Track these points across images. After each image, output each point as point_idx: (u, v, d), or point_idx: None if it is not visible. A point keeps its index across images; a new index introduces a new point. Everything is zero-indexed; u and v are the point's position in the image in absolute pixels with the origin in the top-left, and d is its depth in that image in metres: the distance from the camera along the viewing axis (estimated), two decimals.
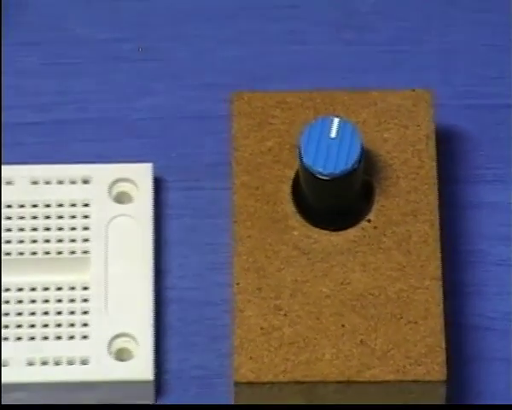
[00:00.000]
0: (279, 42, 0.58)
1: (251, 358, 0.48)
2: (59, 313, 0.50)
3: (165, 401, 0.52)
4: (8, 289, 0.52)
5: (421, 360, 0.48)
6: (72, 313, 0.50)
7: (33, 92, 0.57)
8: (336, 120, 0.48)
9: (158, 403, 0.53)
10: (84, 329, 0.50)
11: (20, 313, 0.51)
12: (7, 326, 0.51)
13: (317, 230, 0.50)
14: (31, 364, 0.49)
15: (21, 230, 0.52)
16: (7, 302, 0.51)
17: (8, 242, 0.52)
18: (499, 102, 0.57)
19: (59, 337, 0.50)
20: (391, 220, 0.50)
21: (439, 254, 0.49)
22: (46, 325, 0.50)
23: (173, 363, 0.51)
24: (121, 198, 0.52)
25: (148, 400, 0.51)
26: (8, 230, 0.52)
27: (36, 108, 0.57)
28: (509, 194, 0.56)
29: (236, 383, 0.48)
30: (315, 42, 0.58)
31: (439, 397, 0.49)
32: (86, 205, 0.52)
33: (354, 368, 0.48)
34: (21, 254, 0.52)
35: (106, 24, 0.59)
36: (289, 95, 0.52)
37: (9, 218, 0.52)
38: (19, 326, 0.50)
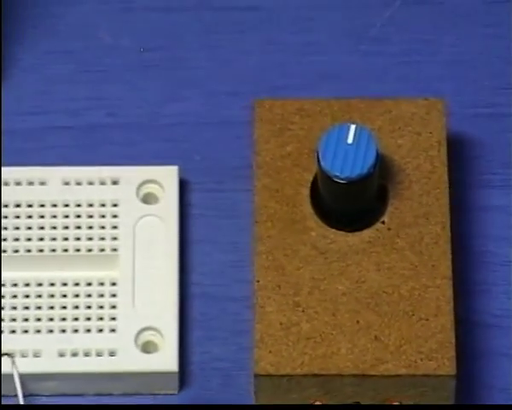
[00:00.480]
0: (298, 53, 0.57)
1: (270, 351, 0.47)
2: (88, 307, 0.50)
3: (189, 391, 0.51)
4: (40, 284, 0.51)
5: (432, 355, 0.47)
6: (101, 307, 0.50)
7: (66, 98, 0.56)
8: (353, 127, 0.48)
9: (176, 396, 0.51)
10: (112, 322, 0.50)
11: (51, 307, 0.50)
12: (39, 319, 0.50)
13: (333, 231, 0.49)
14: (62, 355, 0.49)
15: (54, 228, 0.51)
16: (39, 296, 0.50)
17: (41, 239, 0.51)
18: (507, 111, 0.56)
19: (88, 330, 0.50)
20: (404, 222, 0.50)
21: (449, 255, 0.49)
22: (76, 319, 0.50)
23: (196, 355, 0.50)
24: (148, 199, 0.51)
25: (173, 390, 0.50)
26: (41, 228, 0.51)
27: (68, 113, 0.56)
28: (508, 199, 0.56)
29: (256, 376, 0.47)
30: (332, 52, 0.57)
31: (449, 391, 0.48)
32: (115, 205, 0.51)
33: (368, 362, 0.47)
34: (53, 250, 0.51)
35: (135, 34, 0.59)
36: (308, 102, 0.51)
37: (42, 216, 0.51)
38: (50, 319, 0.50)
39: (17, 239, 0.51)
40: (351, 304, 0.48)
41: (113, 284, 0.50)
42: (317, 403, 0.52)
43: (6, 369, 0.50)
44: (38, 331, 0.49)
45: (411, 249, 0.49)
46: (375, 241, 0.49)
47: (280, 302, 0.48)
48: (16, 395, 0.50)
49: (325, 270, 0.49)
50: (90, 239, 0.51)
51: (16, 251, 0.51)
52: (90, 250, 0.51)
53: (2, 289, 0.52)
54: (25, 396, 0.50)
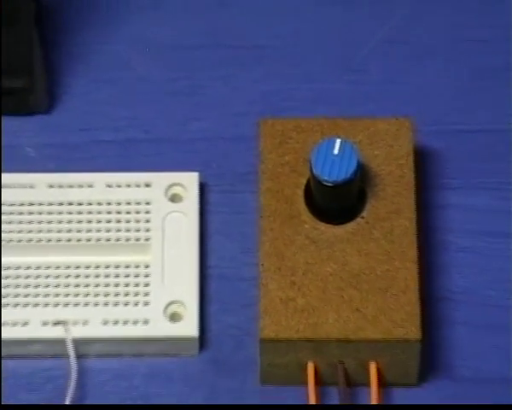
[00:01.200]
0: (295, 81, 0.57)
1: (272, 321, 0.48)
2: (126, 285, 0.50)
3: (207, 353, 0.51)
4: (88, 267, 0.51)
5: (402, 323, 0.48)
6: (137, 285, 0.50)
7: (108, 118, 0.57)
8: (338, 141, 0.48)
9: (197, 357, 0.50)
10: (146, 297, 0.50)
11: (97, 285, 0.51)
12: (87, 295, 0.51)
13: (323, 224, 0.49)
14: (105, 323, 0.50)
15: (99, 222, 0.52)
16: (87, 277, 0.51)
17: (89, 231, 0.52)
18: (461, 129, 0.56)
19: (126, 304, 0.50)
20: (379, 217, 0.50)
21: (415, 243, 0.49)
22: (117, 294, 0.51)
23: (213, 324, 0.51)
24: (174, 198, 0.52)
25: (194, 352, 0.50)
26: (89, 222, 0.52)
27: (110, 129, 0.57)
28: (468, 197, 0.54)
29: (261, 340, 0.48)
30: (323, 81, 0.57)
31: (415, 353, 0.48)
32: (148, 203, 0.52)
33: (351, 329, 0.48)
34: (99, 240, 0.51)
35: (163, 66, 0.58)
36: (303, 121, 0.51)
37: (90, 213, 0.52)
38: (96, 295, 0.50)
39: (69, 231, 0.52)
40: (336, 283, 0.49)
41: (147, 266, 0.51)
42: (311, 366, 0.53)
43: (61, 334, 0.49)
44: (86, 305, 0.50)
45: (385, 239, 0.49)
46: (356, 232, 0.50)
47: (280, 282, 0.49)
48: (69, 357, 0.50)
49: (316, 255, 0.49)
50: (128, 231, 0.52)
51: (69, 240, 0.51)
52: (127, 240, 0.51)
53: (65, 271, 0.51)
54: (76, 357, 0.50)
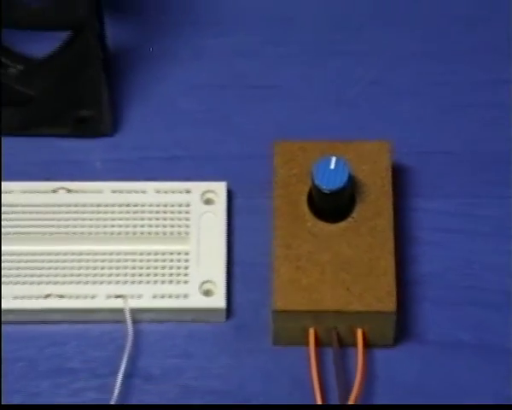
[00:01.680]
0: (301, 112, 0.57)
1: (282, 296, 0.50)
2: (171, 267, 0.52)
3: (232, 321, 0.52)
4: (141, 254, 0.52)
5: (382, 299, 0.50)
6: (179, 268, 0.52)
7: (158, 140, 0.57)
8: (334, 158, 0.50)
9: (224, 323, 0.52)
10: (186, 277, 0.52)
11: (148, 268, 0.52)
12: (141, 275, 0.52)
13: (321, 222, 0.51)
14: (154, 297, 0.51)
15: (149, 219, 0.53)
16: (141, 261, 0.53)
17: (143, 226, 0.53)
18: (428, 150, 0.57)
19: (171, 282, 0.52)
20: (365, 217, 0.51)
21: (392, 238, 0.51)
22: (164, 275, 0.52)
23: (237, 298, 0.53)
24: (208, 202, 0.53)
25: (222, 320, 0.52)
26: (142, 219, 0.53)
27: (158, 148, 0.57)
28: (433, 203, 0.55)
29: (274, 311, 0.50)
30: (322, 113, 0.57)
31: (392, 322, 0.50)
32: (187, 205, 0.53)
33: (342, 303, 0.49)
34: (149, 234, 0.53)
35: (199, 101, 0.58)
36: (306, 144, 0.53)
37: (144, 212, 0.53)
38: (148, 275, 0.52)
39: (129, 226, 0.53)
40: (331, 268, 0.50)
41: (186, 253, 0.52)
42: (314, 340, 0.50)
43: (121, 305, 0.51)
44: (140, 282, 0.52)
45: (369, 234, 0.51)
46: (347, 228, 0.51)
47: (288, 267, 0.50)
48: (126, 323, 0.51)
49: (316, 246, 0.51)
50: (172, 227, 0.53)
51: (127, 233, 0.53)
52: (172, 233, 0.53)
53: (125, 256, 0.52)
54: (132, 323, 0.51)
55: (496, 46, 0.62)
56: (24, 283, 0.51)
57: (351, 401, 0.49)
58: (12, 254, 0.52)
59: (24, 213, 0.53)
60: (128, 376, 0.49)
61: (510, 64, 0.60)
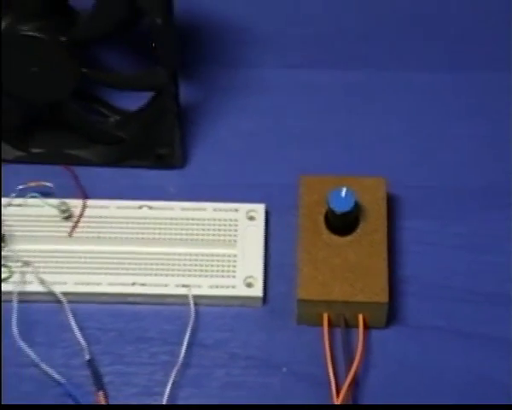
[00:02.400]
0: (320, 157, 0.56)
1: (304, 289, 0.50)
2: (223, 266, 0.52)
3: (267, 306, 0.52)
4: (202, 255, 0.52)
5: (377, 293, 0.50)
6: (229, 266, 0.52)
7: (216, 171, 0.56)
8: (344, 189, 0.50)
9: (261, 308, 0.50)
10: (234, 273, 0.52)
11: (207, 265, 0.52)
12: (202, 270, 0.52)
13: (334, 236, 0.51)
14: (211, 287, 0.51)
15: (208, 230, 0.53)
16: (201, 260, 0.52)
17: (203, 234, 0.52)
18: (415, 184, 0.56)
19: (223, 276, 0.52)
20: (366, 232, 0.51)
21: (385, 249, 0.51)
22: (218, 271, 0.52)
23: (271, 290, 0.52)
24: (251, 218, 0.53)
25: (259, 305, 0.51)
26: (204, 230, 0.52)
27: (217, 177, 0.56)
28: (416, 223, 0.54)
29: (298, 300, 0.50)
30: (332, 156, 0.56)
31: (384, 310, 0.50)
32: (236, 221, 0.53)
33: (348, 295, 0.50)
34: (208, 240, 0.53)
35: (243, 143, 0.57)
36: (324, 177, 0.53)
37: (205, 224, 0.52)
38: (206, 271, 0.52)
39: (193, 234, 0.52)
40: (340, 269, 0.50)
41: (234, 256, 0.52)
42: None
43: (185, 292, 0.51)
44: (200, 276, 0.52)
45: (369, 245, 0.51)
46: (353, 241, 0.51)
47: (309, 267, 0.50)
48: (189, 305, 0.50)
49: (330, 253, 0.51)
50: (225, 236, 0.53)
51: (192, 239, 0.52)
52: (224, 241, 0.52)
53: (190, 256, 0.51)
54: (194, 306, 0.50)
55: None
56: (116, 274, 0.51)
57: (353, 368, 0.48)
58: (108, 252, 0.52)
59: (117, 223, 0.53)
60: (190, 344, 0.50)
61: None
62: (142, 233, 0.52)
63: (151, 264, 0.51)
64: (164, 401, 0.47)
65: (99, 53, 0.56)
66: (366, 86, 0.58)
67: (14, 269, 0.50)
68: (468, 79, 0.58)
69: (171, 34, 0.48)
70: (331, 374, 0.48)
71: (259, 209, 0.53)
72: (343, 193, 0.50)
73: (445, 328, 0.50)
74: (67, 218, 0.52)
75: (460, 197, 0.55)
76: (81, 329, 0.49)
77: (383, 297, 0.49)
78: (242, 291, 0.51)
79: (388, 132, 0.57)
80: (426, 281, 0.52)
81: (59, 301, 0.49)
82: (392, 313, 0.50)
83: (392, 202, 0.54)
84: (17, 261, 0.50)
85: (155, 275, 0.51)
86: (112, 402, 0.48)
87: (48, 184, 0.52)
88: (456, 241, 0.53)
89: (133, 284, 0.50)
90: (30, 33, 0.48)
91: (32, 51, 0.49)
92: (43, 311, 0.50)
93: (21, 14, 0.48)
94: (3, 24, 0.48)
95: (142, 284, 0.50)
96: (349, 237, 0.51)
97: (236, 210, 0.53)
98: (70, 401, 0.48)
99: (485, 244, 0.52)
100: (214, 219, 0.52)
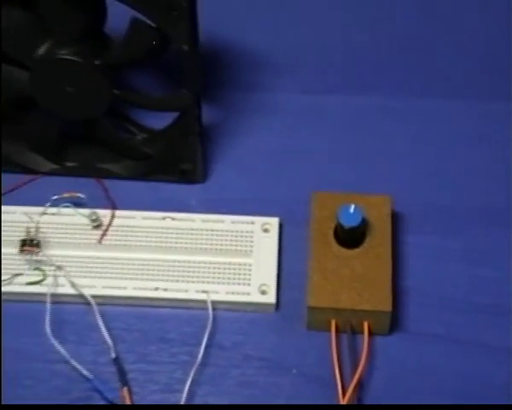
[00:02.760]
0: (331, 176, 0.56)
1: (314, 297, 0.50)
2: (239, 274, 0.52)
3: (279, 312, 0.52)
4: (220, 263, 0.52)
5: (381, 302, 0.50)
6: (245, 274, 0.52)
7: (234, 186, 0.56)
8: (352, 205, 0.50)
9: (274, 313, 0.50)
10: (249, 281, 0.52)
11: (225, 273, 0.52)
12: (220, 277, 0.51)
13: (343, 248, 0.51)
14: (227, 293, 0.51)
15: (226, 240, 0.53)
16: (219, 268, 0.52)
17: (222, 244, 0.52)
18: (417, 203, 0.56)
19: (239, 284, 0.52)
20: (372, 245, 0.51)
21: (390, 261, 0.51)
22: (235, 278, 0.52)
23: (283, 297, 0.52)
24: (265, 230, 0.53)
25: (272, 311, 0.51)
26: (222, 240, 0.52)
27: (235, 192, 0.56)
28: (417, 238, 0.54)
29: (308, 307, 0.50)
30: (342, 176, 0.56)
31: (388, 318, 0.50)
32: (252, 232, 0.53)
33: (355, 304, 0.50)
34: (227, 250, 0.52)
35: (259, 161, 0.57)
36: (334, 194, 0.53)
37: (223, 235, 0.52)
38: (224, 278, 0.51)
39: (212, 244, 0.52)
40: (348, 279, 0.50)
41: (250, 265, 0.52)
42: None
43: (204, 298, 0.51)
44: (219, 283, 0.51)
45: (374, 258, 0.51)
46: (360, 253, 0.51)
47: (319, 277, 0.50)
48: (208, 309, 0.50)
49: (339, 264, 0.51)
50: (241, 246, 0.52)
51: (211, 249, 0.52)
52: (241, 251, 0.52)
53: (208, 264, 0.51)
54: (212, 310, 0.50)
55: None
56: (141, 279, 0.52)
57: (358, 371, 0.48)
58: (134, 259, 0.52)
59: (142, 232, 0.53)
60: (208, 345, 0.50)
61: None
62: (165, 242, 0.52)
63: (173, 271, 0.51)
64: (183, 398, 0.48)
65: (130, 76, 0.57)
66: (375, 111, 0.59)
67: (47, 273, 0.51)
68: (469, 106, 0.58)
69: (196, 60, 0.49)
70: (338, 376, 0.48)
71: (273, 222, 0.53)
72: (351, 209, 0.50)
73: (443, 336, 0.51)
74: (97, 226, 0.52)
75: (460, 215, 0.55)
76: (108, 329, 0.50)
77: (387, 306, 0.49)
78: (257, 298, 0.51)
79: (394, 154, 0.57)
80: (426, 292, 0.52)
81: (88, 303, 0.50)
82: (394, 321, 0.50)
83: (396, 219, 0.54)
84: (50, 266, 0.51)
85: (177, 281, 0.51)
86: (135, 398, 0.48)
87: (80, 195, 0.53)
88: (456, 255, 0.53)
89: (156, 288, 0.51)
90: (67, 57, 0.50)
91: (69, 73, 0.50)
92: (73, 312, 0.51)
93: (60, 40, 0.50)
94: (44, 48, 0.50)
95: (165, 289, 0.51)
96: (356, 250, 0.51)
97: (252, 223, 0.53)
98: (97, 396, 0.48)
99: (483, 259, 0.53)
100: (231, 231, 0.52)
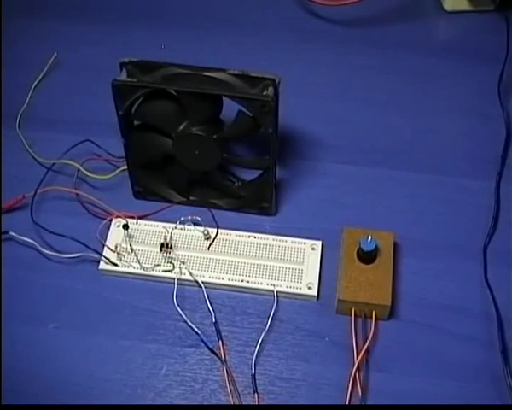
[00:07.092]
0: (355, 217, 0.60)
1: (342, 293, 0.55)
2: (294, 275, 0.57)
3: (319, 301, 0.56)
4: (284, 267, 0.57)
5: (385, 298, 0.55)
6: (298, 275, 0.57)
7: (296, 217, 0.60)
8: (370, 236, 0.56)
9: (315, 302, 0.55)
10: (300, 279, 0.57)
11: (285, 274, 0.57)
12: (282, 276, 0.56)
13: (362, 263, 0.56)
14: (287, 287, 0.57)
15: (285, 253, 0.57)
16: (282, 271, 0.57)
17: (287, 256, 0.57)
18: (414, 237, 0.60)
19: (294, 281, 0.56)
20: (380, 263, 0.57)
21: (391, 273, 0.56)
22: (295, 278, 0.56)
23: (323, 291, 0.58)
24: (313, 249, 0.58)
25: (314, 300, 0.56)
26: (287, 253, 0.57)
27: (295, 222, 0.60)
28: (413, 261, 0.58)
29: (338, 299, 0.55)
30: (364, 218, 0.60)
31: (387, 309, 0.55)
32: (304, 249, 0.57)
33: (367, 299, 0.55)
34: (287, 259, 0.57)
35: (314, 201, 0.61)
36: (357, 229, 0.57)
37: (289, 251, 0.57)
38: (285, 277, 0.56)
39: (280, 255, 0.57)
40: (364, 284, 0.56)
41: (301, 270, 0.57)
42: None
43: (272, 288, 0.56)
44: (282, 279, 0.56)
45: (382, 271, 0.56)
46: (373, 267, 0.57)
47: (346, 281, 0.56)
48: (274, 297, 0.55)
49: (359, 273, 0.56)
50: (296, 257, 0.57)
51: (279, 258, 0.57)
52: (295, 261, 0.58)
53: (277, 268, 0.56)
54: (276, 297, 0.55)
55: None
56: (233, 273, 0.56)
57: (367, 341, 0.53)
58: (229, 261, 0.57)
59: (235, 244, 0.58)
60: (272, 319, 0.56)
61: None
62: (249, 251, 0.58)
63: (253, 270, 0.58)
64: (256, 350, 0.53)
65: (234, 145, 0.63)
66: (384, 179, 0.63)
67: (175, 265, 0.58)
68: (452, 183, 0.63)
69: (275, 139, 0.56)
70: (354, 344, 0.54)
71: (318, 244, 0.59)
72: (369, 239, 0.56)
73: (423, 323, 0.56)
74: (207, 239, 0.59)
75: (438, 247, 0.60)
76: (211, 303, 0.56)
77: (387, 302, 0.55)
78: (305, 291, 0.57)
79: (399, 207, 0.62)
80: (414, 295, 0.58)
81: (200, 286, 0.57)
82: (391, 312, 0.56)
83: (396, 247, 0.59)
84: (177, 261, 0.58)
85: (255, 277, 0.57)
86: (226, 348, 0.54)
87: (197, 218, 0.60)
88: (434, 272, 0.59)
89: (242, 280, 0.57)
90: (197, 132, 0.57)
91: (197, 142, 0.57)
92: (190, 291, 0.58)
93: (193, 121, 0.57)
94: (182, 126, 0.57)
95: (247, 281, 0.57)
96: (370, 265, 0.57)
97: (304, 243, 0.59)
98: (202, 345, 0.53)
99: (456, 273, 0.58)
100: (291, 248, 0.58)
